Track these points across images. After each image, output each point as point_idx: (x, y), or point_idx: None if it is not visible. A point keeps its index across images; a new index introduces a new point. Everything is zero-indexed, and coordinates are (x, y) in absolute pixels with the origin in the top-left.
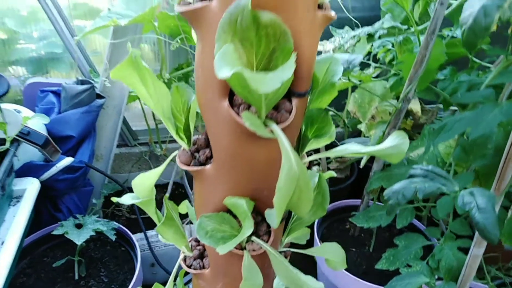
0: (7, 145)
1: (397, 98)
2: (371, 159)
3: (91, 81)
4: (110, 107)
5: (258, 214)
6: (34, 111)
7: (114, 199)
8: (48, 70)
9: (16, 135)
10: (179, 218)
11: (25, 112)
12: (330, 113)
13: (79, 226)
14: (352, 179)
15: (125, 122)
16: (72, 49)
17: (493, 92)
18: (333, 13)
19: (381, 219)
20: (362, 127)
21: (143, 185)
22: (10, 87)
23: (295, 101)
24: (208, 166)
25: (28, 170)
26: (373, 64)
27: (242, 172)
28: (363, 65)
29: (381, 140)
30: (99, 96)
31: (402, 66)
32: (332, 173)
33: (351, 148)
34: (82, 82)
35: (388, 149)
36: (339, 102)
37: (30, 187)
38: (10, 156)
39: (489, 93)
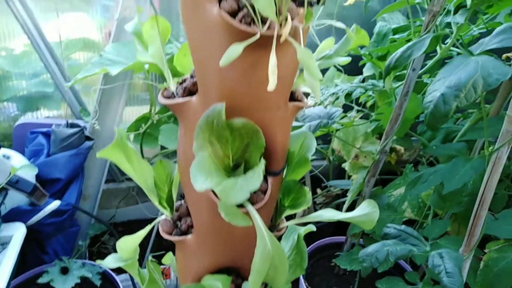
0: None
1: (380, 137)
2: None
3: (81, 120)
4: (99, 147)
5: (239, 277)
6: (23, 151)
7: (99, 261)
8: (39, 108)
9: (5, 184)
10: (161, 278)
11: (14, 156)
12: (318, 146)
13: (64, 269)
14: None
15: None
16: (63, 89)
17: (465, 146)
18: (304, 102)
19: None
20: (346, 166)
21: (126, 247)
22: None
23: (270, 179)
24: (189, 236)
25: (15, 215)
26: (355, 107)
27: (221, 242)
28: (346, 108)
29: (361, 187)
30: (88, 138)
31: (381, 116)
32: (312, 228)
33: (326, 215)
34: (71, 125)
35: (360, 217)
36: (326, 137)
37: (16, 233)
38: None
39: (461, 146)
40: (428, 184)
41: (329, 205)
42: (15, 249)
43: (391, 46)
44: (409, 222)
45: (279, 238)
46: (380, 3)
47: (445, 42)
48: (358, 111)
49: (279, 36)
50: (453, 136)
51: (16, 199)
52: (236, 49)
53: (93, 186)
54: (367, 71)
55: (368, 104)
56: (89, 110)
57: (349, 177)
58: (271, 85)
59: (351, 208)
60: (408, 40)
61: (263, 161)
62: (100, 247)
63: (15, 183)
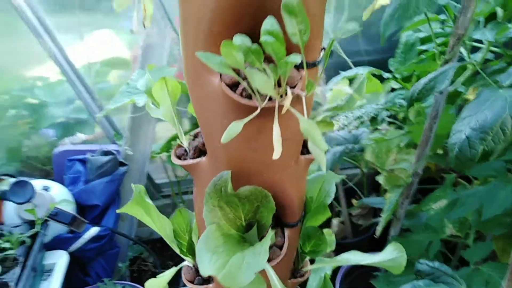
0: (37, 228)
1: (416, 147)
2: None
3: (116, 144)
4: (133, 170)
5: None
6: (62, 179)
7: None
8: (75, 133)
9: (46, 217)
10: None
11: (53, 187)
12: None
13: None
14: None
15: (148, 176)
16: (95, 115)
17: (504, 166)
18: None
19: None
20: (380, 179)
21: None
22: (35, 194)
23: (287, 231)
24: (210, 285)
25: (57, 243)
26: (386, 119)
27: None
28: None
29: (395, 208)
30: (122, 164)
31: (412, 134)
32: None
33: (353, 258)
34: (105, 153)
35: (388, 262)
36: None
37: (59, 261)
38: (41, 237)
39: (500, 166)
40: (466, 208)
41: (365, 217)
42: (59, 276)
43: (417, 66)
44: (448, 242)
45: (304, 283)
46: None
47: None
48: (389, 123)
49: (282, 106)
50: (490, 152)
51: (57, 228)
52: (236, 127)
53: None
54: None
55: (400, 116)
56: (122, 132)
57: (385, 190)
58: (276, 154)
59: (386, 229)
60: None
61: (270, 232)
62: (140, 265)
63: (55, 215)
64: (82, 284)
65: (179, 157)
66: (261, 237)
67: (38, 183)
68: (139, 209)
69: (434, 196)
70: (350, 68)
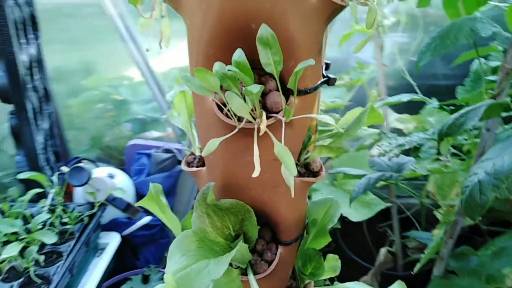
0: (95, 209)
1: None
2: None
3: (180, 144)
4: None
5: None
6: (130, 169)
7: None
8: (149, 129)
9: (104, 200)
10: None
11: (118, 175)
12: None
13: (146, 278)
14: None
15: None
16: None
17: None
18: (317, 178)
19: None
20: (438, 214)
21: None
22: (90, 178)
23: (281, 249)
24: None
25: (113, 225)
26: (450, 149)
27: None
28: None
29: (438, 246)
30: (180, 163)
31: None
32: None
33: None
34: (167, 151)
35: None
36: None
37: (112, 242)
38: (97, 217)
39: None
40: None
41: (422, 252)
42: (109, 255)
43: (467, 98)
44: None
45: None
46: None
47: None
48: (453, 154)
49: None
50: None
51: (115, 212)
52: (213, 143)
53: (183, 203)
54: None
55: (465, 148)
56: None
57: None
58: (255, 172)
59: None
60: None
61: (241, 246)
62: None
63: (112, 200)
64: (132, 266)
65: (188, 164)
66: (250, 249)
67: (105, 170)
68: (154, 205)
69: (497, 241)
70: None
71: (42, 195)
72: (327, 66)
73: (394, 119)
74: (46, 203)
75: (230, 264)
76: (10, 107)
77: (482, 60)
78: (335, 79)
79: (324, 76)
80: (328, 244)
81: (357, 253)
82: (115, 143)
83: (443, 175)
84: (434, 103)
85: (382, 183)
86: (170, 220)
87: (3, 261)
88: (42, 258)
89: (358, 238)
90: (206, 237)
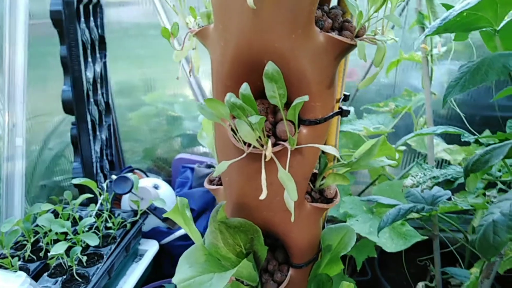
0: (138, 217)
1: None
2: None
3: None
4: None
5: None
6: (175, 181)
7: None
8: (197, 145)
9: (146, 209)
10: None
11: (162, 186)
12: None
13: None
14: None
15: None
16: None
17: None
18: (330, 204)
19: None
20: None
21: None
22: (133, 187)
23: (292, 271)
24: None
25: (154, 233)
26: (499, 184)
27: None
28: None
29: (474, 286)
30: None
31: None
32: None
33: None
34: (208, 166)
35: None
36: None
37: (150, 249)
38: (138, 225)
39: None
40: None
41: None
42: (147, 261)
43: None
44: None
45: None
46: None
47: None
48: (500, 190)
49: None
50: None
51: (157, 221)
52: (223, 165)
53: None
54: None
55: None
56: None
57: None
58: (263, 195)
59: None
60: None
61: (245, 263)
62: None
63: (154, 209)
64: (169, 275)
65: (211, 182)
66: (260, 268)
67: (151, 181)
68: (179, 218)
69: None
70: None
71: (93, 200)
72: (346, 97)
73: (442, 149)
74: (95, 208)
75: (242, 282)
76: (73, 118)
77: None
78: (348, 111)
79: (339, 108)
80: (365, 273)
81: (395, 285)
82: (166, 155)
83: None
84: (469, 136)
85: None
86: (193, 232)
87: (52, 258)
88: (85, 258)
89: (397, 270)
90: (218, 252)
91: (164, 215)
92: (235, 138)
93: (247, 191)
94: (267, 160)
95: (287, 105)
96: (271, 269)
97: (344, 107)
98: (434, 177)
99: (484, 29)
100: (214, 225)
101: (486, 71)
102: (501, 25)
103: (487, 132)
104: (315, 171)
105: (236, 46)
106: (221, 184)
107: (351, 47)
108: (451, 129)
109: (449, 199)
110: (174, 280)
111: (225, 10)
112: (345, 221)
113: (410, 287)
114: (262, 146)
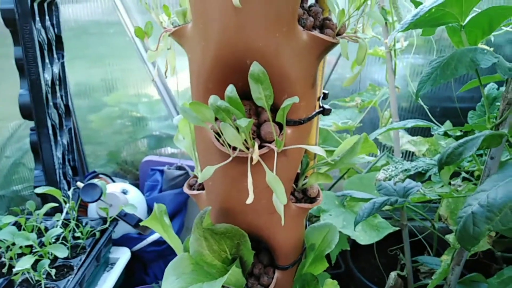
0: (107, 224)
1: None
2: None
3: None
4: None
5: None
6: (144, 185)
7: None
8: (164, 146)
9: (116, 216)
10: None
11: (131, 191)
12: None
13: None
14: None
15: None
16: None
17: None
18: (314, 204)
19: None
20: (450, 237)
21: None
22: (102, 194)
23: (278, 273)
24: None
25: (124, 240)
26: (463, 174)
27: None
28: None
29: (446, 272)
30: None
31: None
32: None
33: None
34: (179, 168)
35: None
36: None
37: (122, 257)
38: (108, 233)
39: None
40: None
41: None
42: (119, 270)
43: (468, 125)
44: None
45: None
46: None
47: None
48: (464, 179)
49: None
50: None
51: (127, 227)
52: (208, 170)
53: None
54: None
55: (476, 173)
56: None
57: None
58: (249, 199)
59: None
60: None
61: (235, 270)
62: None
63: (124, 216)
64: (141, 282)
65: (190, 186)
66: (246, 272)
67: (119, 186)
68: (158, 225)
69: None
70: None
71: (59, 209)
72: (325, 95)
73: (407, 141)
74: (61, 217)
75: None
76: (31, 123)
77: (494, 85)
78: (330, 110)
79: (320, 107)
80: (338, 266)
81: (368, 276)
82: (132, 158)
83: (456, 199)
84: (439, 129)
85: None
86: (172, 239)
87: (17, 273)
88: (53, 271)
89: (369, 261)
90: (203, 260)
91: (142, 223)
92: (219, 141)
93: (232, 195)
94: (253, 163)
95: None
96: (257, 272)
97: (326, 106)
98: (405, 170)
99: (450, 24)
100: (199, 232)
101: (456, 66)
102: (466, 20)
103: (448, 124)
104: (297, 170)
105: (218, 46)
106: (202, 189)
107: (333, 45)
108: (421, 123)
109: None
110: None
111: (206, 8)
112: (319, 216)
113: (383, 277)
114: (248, 149)
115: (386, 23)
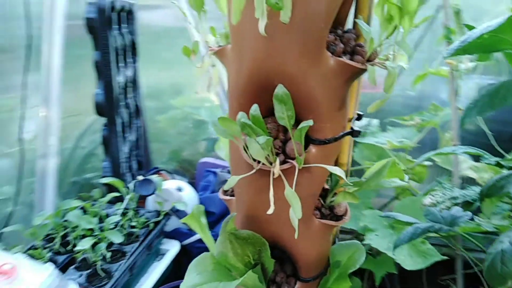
0: (161, 217)
1: None
2: None
3: None
4: None
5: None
6: (199, 184)
7: None
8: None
9: (169, 210)
10: None
11: (186, 188)
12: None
13: None
14: None
15: None
16: None
17: None
18: (339, 222)
19: None
20: None
21: None
22: (156, 189)
23: (298, 284)
24: None
25: (175, 234)
26: None
27: None
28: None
29: None
30: None
31: None
32: None
33: None
34: (229, 171)
35: None
36: None
37: (172, 249)
38: (161, 225)
39: None
40: None
41: None
42: (168, 260)
43: None
44: None
45: None
46: None
47: None
48: None
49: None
50: None
51: (178, 222)
52: (233, 179)
53: None
54: None
55: None
56: None
57: None
58: (270, 209)
59: None
60: None
61: (251, 275)
62: None
63: (175, 211)
64: None
65: (225, 192)
66: (267, 279)
67: (176, 183)
68: (195, 224)
69: None
70: None
71: (120, 199)
72: (359, 117)
73: (468, 167)
74: (121, 206)
75: None
76: (104, 120)
77: None
78: (359, 132)
79: (350, 128)
80: None
81: None
82: (191, 158)
83: None
84: (490, 159)
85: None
86: (207, 239)
87: (78, 252)
88: (108, 254)
89: (417, 287)
90: (227, 261)
91: (182, 221)
92: (246, 154)
93: (256, 204)
94: (275, 177)
95: (298, 124)
96: (279, 280)
97: (356, 128)
98: (453, 198)
99: (506, 50)
100: (225, 235)
101: (504, 96)
102: None
103: None
104: (327, 186)
105: (250, 68)
106: (234, 195)
107: (362, 71)
108: (471, 150)
109: (472, 219)
110: (182, 285)
111: (240, 34)
112: (363, 235)
113: None
114: (271, 163)
115: (450, 42)
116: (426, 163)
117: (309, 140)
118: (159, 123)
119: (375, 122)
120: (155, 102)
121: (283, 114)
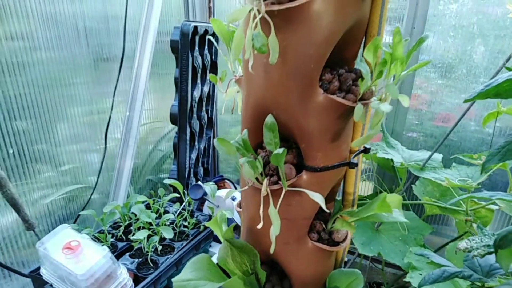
0: None
1: None
2: None
3: None
4: None
5: None
6: None
7: None
8: None
9: None
10: None
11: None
12: None
13: None
14: None
15: None
16: None
17: None
18: (330, 247)
19: None
20: None
21: None
22: (205, 194)
23: None
24: None
25: None
26: None
27: None
28: None
29: None
30: None
31: None
32: None
33: None
34: None
35: None
36: None
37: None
38: (210, 229)
39: None
40: None
41: None
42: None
43: None
44: None
45: None
46: None
47: None
48: None
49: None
50: None
51: None
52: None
53: None
54: None
55: None
56: None
57: None
58: (259, 225)
59: None
60: None
61: (223, 282)
62: None
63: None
64: None
65: (239, 205)
66: None
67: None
68: (217, 229)
69: None
70: None
71: (181, 200)
72: (366, 150)
73: None
74: (179, 207)
75: None
76: (176, 128)
77: None
78: (356, 164)
79: (350, 161)
80: None
81: None
82: None
83: None
84: None
85: None
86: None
87: (135, 241)
88: (160, 247)
89: None
90: (226, 266)
91: (206, 224)
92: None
93: (255, 218)
94: (264, 195)
95: (297, 149)
96: None
97: (354, 160)
98: (488, 245)
99: None
100: (227, 243)
101: None
102: None
103: None
104: (329, 211)
105: (254, 98)
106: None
107: (352, 108)
108: (509, 198)
109: None
110: (174, 278)
111: (247, 71)
112: (407, 272)
113: None
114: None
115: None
116: (493, 207)
117: (303, 167)
118: (230, 135)
119: (438, 156)
120: (230, 116)
121: (271, 140)
